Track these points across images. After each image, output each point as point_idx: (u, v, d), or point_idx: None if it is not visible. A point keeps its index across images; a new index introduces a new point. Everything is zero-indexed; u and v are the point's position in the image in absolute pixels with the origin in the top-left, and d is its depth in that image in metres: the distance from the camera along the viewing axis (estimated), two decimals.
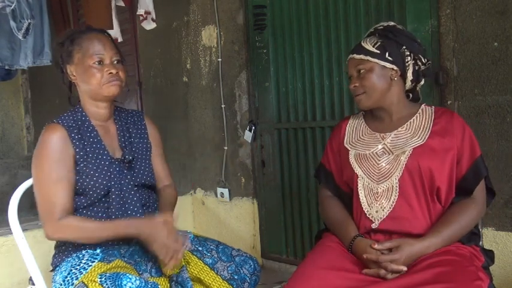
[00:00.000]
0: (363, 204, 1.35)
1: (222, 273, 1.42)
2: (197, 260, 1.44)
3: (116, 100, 1.49)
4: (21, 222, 1.45)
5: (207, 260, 1.44)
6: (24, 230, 1.43)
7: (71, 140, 1.37)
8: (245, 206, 2.78)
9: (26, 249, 1.44)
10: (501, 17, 1.76)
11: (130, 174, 1.44)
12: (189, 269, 1.42)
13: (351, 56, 1.43)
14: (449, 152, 1.31)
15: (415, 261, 1.23)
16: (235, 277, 1.43)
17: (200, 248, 1.47)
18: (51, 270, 1.42)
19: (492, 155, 1.81)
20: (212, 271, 1.43)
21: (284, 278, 1.79)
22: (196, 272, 1.42)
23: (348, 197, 1.45)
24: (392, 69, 1.37)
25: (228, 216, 2.89)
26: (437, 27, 1.92)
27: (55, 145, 1.35)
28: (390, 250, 1.24)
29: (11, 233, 1.47)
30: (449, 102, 1.90)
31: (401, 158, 1.32)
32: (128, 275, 1.20)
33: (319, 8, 2.32)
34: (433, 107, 1.42)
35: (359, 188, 1.36)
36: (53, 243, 1.44)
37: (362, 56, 1.38)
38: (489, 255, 1.35)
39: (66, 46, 1.43)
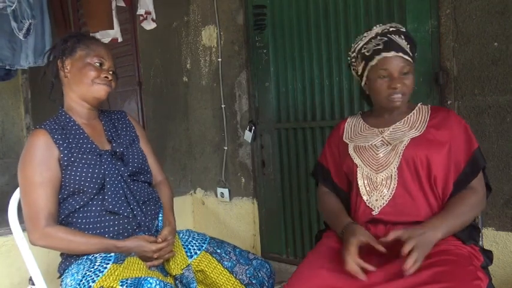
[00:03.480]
0: (362, 194, 1.37)
1: (240, 277, 1.43)
2: (216, 264, 1.44)
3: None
4: (21, 222, 1.45)
5: (226, 263, 1.45)
6: (24, 230, 1.43)
7: (54, 142, 1.38)
8: (245, 206, 2.78)
9: (26, 249, 1.44)
10: (501, 17, 1.76)
11: (122, 163, 1.45)
12: (207, 274, 1.43)
13: (395, 54, 1.35)
14: (445, 144, 1.33)
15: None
16: (253, 281, 1.44)
17: (219, 250, 1.48)
18: (59, 277, 1.41)
19: (492, 155, 1.81)
20: (232, 275, 1.43)
21: (284, 278, 1.79)
22: (215, 277, 1.42)
23: (344, 194, 1.48)
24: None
25: (228, 216, 2.89)
26: (437, 27, 1.92)
27: (37, 149, 1.37)
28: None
29: (11, 233, 1.48)
30: (449, 102, 1.90)
31: (399, 147, 1.35)
32: (148, 279, 1.19)
33: (319, 8, 2.32)
34: (429, 105, 1.46)
35: (358, 178, 1.38)
36: None
37: (408, 57, 1.36)
38: (488, 255, 1.35)
39: (72, 43, 1.46)
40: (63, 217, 1.40)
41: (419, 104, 1.47)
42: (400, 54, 1.35)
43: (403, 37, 1.37)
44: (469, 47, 1.85)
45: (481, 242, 1.42)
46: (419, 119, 1.41)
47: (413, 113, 1.43)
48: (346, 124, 1.55)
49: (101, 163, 1.40)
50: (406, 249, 1.15)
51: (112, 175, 1.40)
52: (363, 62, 1.41)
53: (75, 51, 1.45)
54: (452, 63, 1.89)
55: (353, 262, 1.18)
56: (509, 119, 1.78)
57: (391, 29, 1.39)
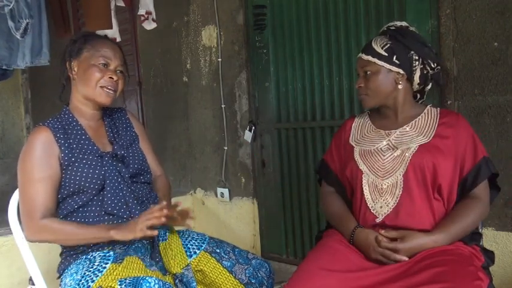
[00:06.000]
0: (367, 200, 1.35)
1: (240, 276, 1.43)
2: (215, 263, 1.44)
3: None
4: (21, 222, 1.44)
5: (225, 262, 1.45)
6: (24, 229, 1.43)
7: (55, 140, 1.38)
8: (245, 206, 2.78)
9: (26, 249, 1.44)
10: (501, 17, 1.76)
11: (123, 165, 1.45)
12: (206, 273, 1.43)
13: (359, 55, 1.43)
14: (452, 152, 1.32)
15: (415, 258, 1.23)
16: (253, 281, 1.44)
17: (218, 250, 1.48)
18: (58, 278, 1.41)
19: (492, 155, 1.80)
20: (231, 275, 1.43)
21: (284, 278, 1.79)
22: (215, 277, 1.42)
23: (346, 194, 1.47)
24: (398, 72, 1.38)
25: (228, 216, 2.89)
26: (437, 27, 1.92)
27: (38, 146, 1.37)
28: (395, 240, 1.27)
29: (11, 233, 1.48)
30: (449, 102, 1.90)
31: (406, 154, 1.33)
32: (147, 278, 1.19)
33: (319, 8, 2.32)
34: (438, 108, 1.43)
35: (363, 185, 1.37)
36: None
37: (370, 58, 1.38)
38: (489, 255, 1.35)
39: (79, 43, 1.45)
40: (61, 217, 1.40)
41: (428, 106, 1.43)
42: (362, 55, 1.41)
43: (388, 37, 1.38)
44: (469, 47, 1.84)
45: (481, 242, 1.42)
46: (428, 124, 1.38)
47: (421, 117, 1.40)
48: (353, 124, 1.52)
49: (102, 165, 1.40)
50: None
51: (112, 177, 1.40)
52: None
53: (81, 52, 1.44)
54: (452, 63, 1.89)
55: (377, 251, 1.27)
56: (509, 119, 1.78)
57: (391, 27, 1.43)
